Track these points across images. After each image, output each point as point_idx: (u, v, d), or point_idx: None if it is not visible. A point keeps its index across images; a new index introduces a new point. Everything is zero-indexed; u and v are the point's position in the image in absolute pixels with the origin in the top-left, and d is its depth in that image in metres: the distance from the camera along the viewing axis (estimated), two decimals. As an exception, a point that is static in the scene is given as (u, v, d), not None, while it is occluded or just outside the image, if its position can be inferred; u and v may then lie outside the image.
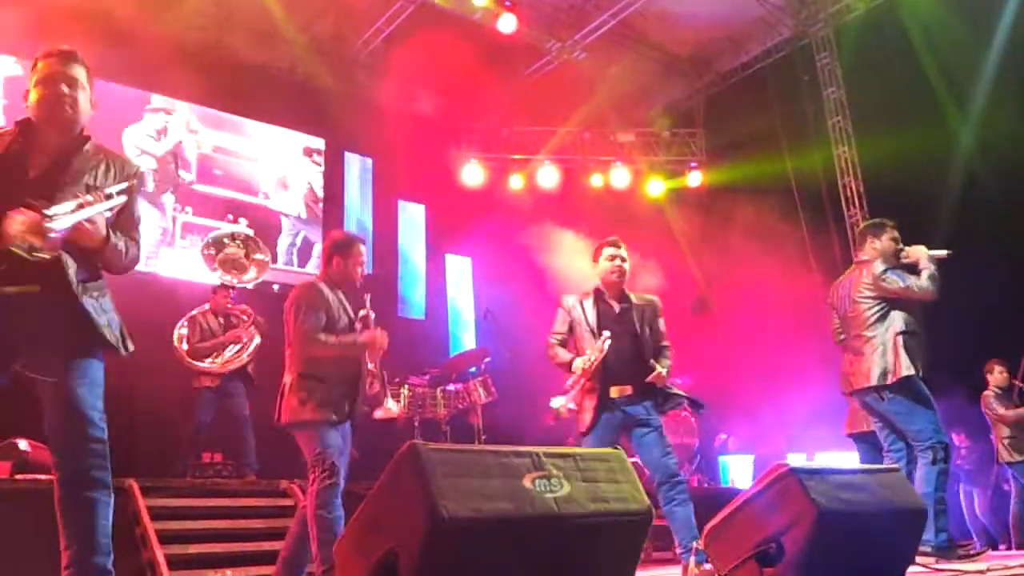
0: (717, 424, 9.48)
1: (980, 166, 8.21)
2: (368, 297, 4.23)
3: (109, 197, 2.71)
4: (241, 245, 6.66)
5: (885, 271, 4.58)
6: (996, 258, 7.51)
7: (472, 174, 10.31)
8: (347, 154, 9.88)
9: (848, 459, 7.89)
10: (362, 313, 4.15)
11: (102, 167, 2.83)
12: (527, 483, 2.21)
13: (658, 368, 4.23)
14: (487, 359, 7.88)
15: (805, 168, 9.70)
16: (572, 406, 4.29)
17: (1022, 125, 7.84)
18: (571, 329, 4.46)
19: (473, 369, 7.85)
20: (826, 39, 9.67)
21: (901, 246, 4.73)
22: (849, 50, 9.46)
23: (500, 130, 10.52)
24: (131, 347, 2.86)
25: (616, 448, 4.14)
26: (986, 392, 7.07)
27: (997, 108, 8.21)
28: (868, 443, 6.36)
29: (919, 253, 4.64)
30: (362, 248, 4.28)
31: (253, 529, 5.20)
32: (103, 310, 2.76)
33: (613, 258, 4.42)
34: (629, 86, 10.49)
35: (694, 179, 10.63)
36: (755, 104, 9.90)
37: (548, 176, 10.48)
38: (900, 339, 4.50)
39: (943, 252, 4.65)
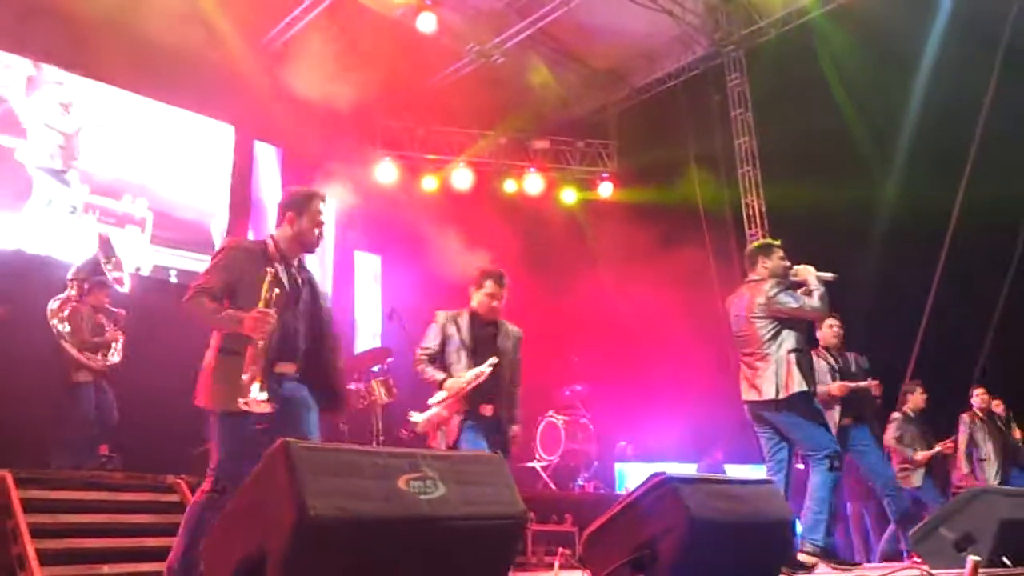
0: (616, 432, 9.63)
1: (883, 191, 8.66)
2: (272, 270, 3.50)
3: None
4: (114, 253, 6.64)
5: (777, 293, 4.70)
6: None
7: (386, 172, 10.23)
8: (258, 143, 9.67)
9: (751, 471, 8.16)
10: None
11: None
12: (401, 484, 2.20)
13: (513, 429, 4.55)
14: (390, 359, 7.82)
15: (711, 186, 9.99)
16: (429, 417, 4.44)
17: (937, 162, 8.28)
18: (442, 346, 4.59)
19: (375, 368, 7.78)
20: (737, 60, 9.96)
21: (789, 265, 4.87)
22: (760, 73, 9.76)
23: (416, 130, 10.47)
24: None
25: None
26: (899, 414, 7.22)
27: (912, 145, 8.66)
28: None
29: (807, 273, 4.79)
30: (322, 205, 3.70)
31: (134, 524, 5.01)
32: None
33: (493, 296, 4.59)
34: (545, 94, 10.59)
35: (605, 190, 10.81)
36: (667, 120, 10.15)
37: (462, 178, 10.49)
38: (792, 356, 4.64)
39: (829, 275, 4.81)
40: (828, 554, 4.55)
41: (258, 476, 2.16)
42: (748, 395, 4.79)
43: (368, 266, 10.58)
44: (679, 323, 9.03)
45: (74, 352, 6.08)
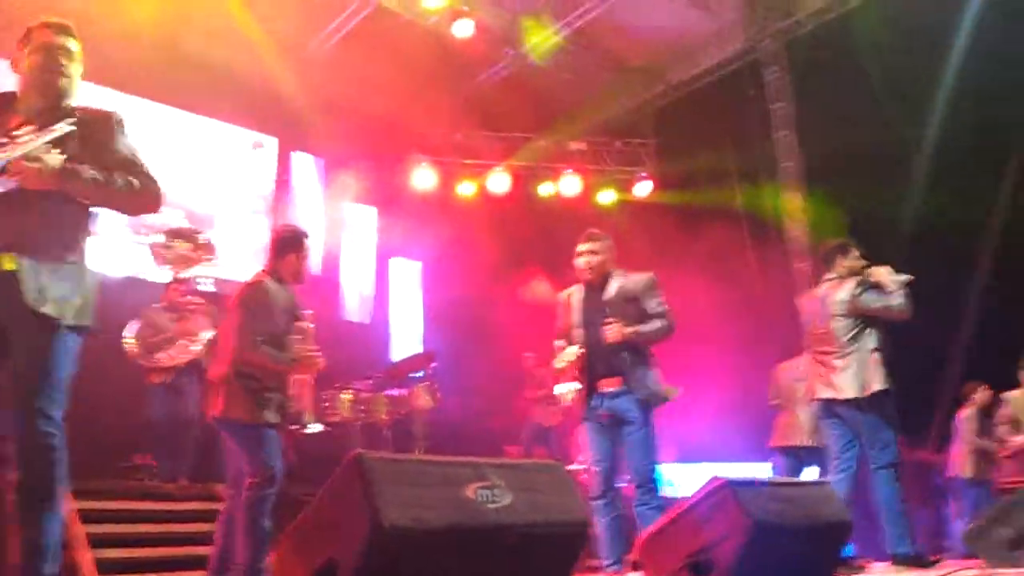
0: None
1: (930, 190, 8.54)
2: (309, 312, 4.24)
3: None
4: (188, 242, 6.63)
5: (861, 292, 4.73)
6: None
7: (424, 178, 10.30)
8: (298, 154, 9.81)
9: (763, 469, 8.15)
10: (301, 325, 4.16)
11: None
12: (469, 493, 2.25)
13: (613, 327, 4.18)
14: (433, 364, 7.88)
15: (750, 181, 9.93)
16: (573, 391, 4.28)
17: (973, 137, 8.15)
18: (567, 320, 4.48)
19: (419, 374, 7.84)
20: (775, 53, 9.87)
21: (867, 264, 4.89)
22: (799, 66, 9.67)
23: (453, 135, 10.54)
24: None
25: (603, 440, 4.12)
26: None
27: (950, 126, 8.52)
28: (792, 456, 6.56)
29: (884, 274, 4.77)
30: (308, 243, 4.32)
31: (184, 533, 5.13)
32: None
33: (580, 254, 4.47)
34: (581, 94, 10.60)
35: (643, 189, 10.78)
36: (705, 117, 10.09)
37: (499, 182, 10.54)
38: (876, 355, 4.70)
39: (906, 276, 4.76)
40: (914, 559, 4.52)
41: (331, 488, 2.22)
42: (824, 393, 4.84)
43: (409, 273, 10.69)
44: (722, 321, 9.00)
45: (136, 357, 6.16)
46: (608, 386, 4.23)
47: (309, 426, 4.15)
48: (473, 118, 10.41)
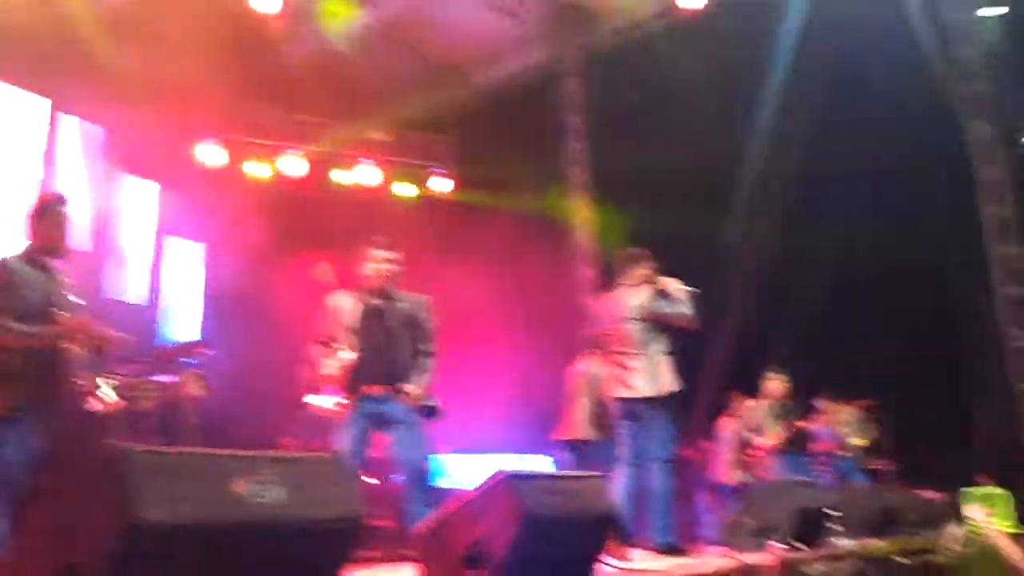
0: (441, 424, 9.66)
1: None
2: (69, 281, 3.93)
3: None
4: None
5: (654, 299, 5.03)
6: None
7: (212, 155, 9.74)
8: (70, 118, 8.92)
9: (544, 461, 8.50)
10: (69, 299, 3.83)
11: None
12: (238, 488, 2.12)
13: (408, 388, 4.35)
14: (208, 351, 7.45)
15: (545, 188, 10.25)
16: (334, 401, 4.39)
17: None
18: (335, 325, 4.47)
19: (192, 361, 7.38)
20: (576, 67, 10.24)
21: (655, 274, 5.18)
22: (597, 81, 10.09)
23: (246, 112, 10.04)
24: None
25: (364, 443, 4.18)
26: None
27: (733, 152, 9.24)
28: (575, 450, 6.84)
29: (671, 284, 5.10)
30: (65, 211, 3.99)
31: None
32: None
33: (377, 260, 4.48)
34: (385, 85, 10.47)
35: (442, 186, 10.82)
36: (506, 121, 10.29)
37: (294, 166, 10.18)
38: (667, 358, 5.03)
39: (693, 289, 5.12)
40: (667, 548, 4.83)
41: (76, 482, 2.01)
42: (621, 392, 5.09)
43: (190, 253, 10.06)
44: (507, 319, 9.23)
45: None
46: (379, 391, 4.34)
47: (105, 394, 3.79)
48: (270, 97, 9.98)
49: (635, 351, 5.04)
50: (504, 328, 9.03)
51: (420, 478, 4.28)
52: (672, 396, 5.03)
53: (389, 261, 4.50)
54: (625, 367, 5.06)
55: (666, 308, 5.01)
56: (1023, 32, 8.78)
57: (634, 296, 5.12)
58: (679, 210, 9.04)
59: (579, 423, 6.81)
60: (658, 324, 5.06)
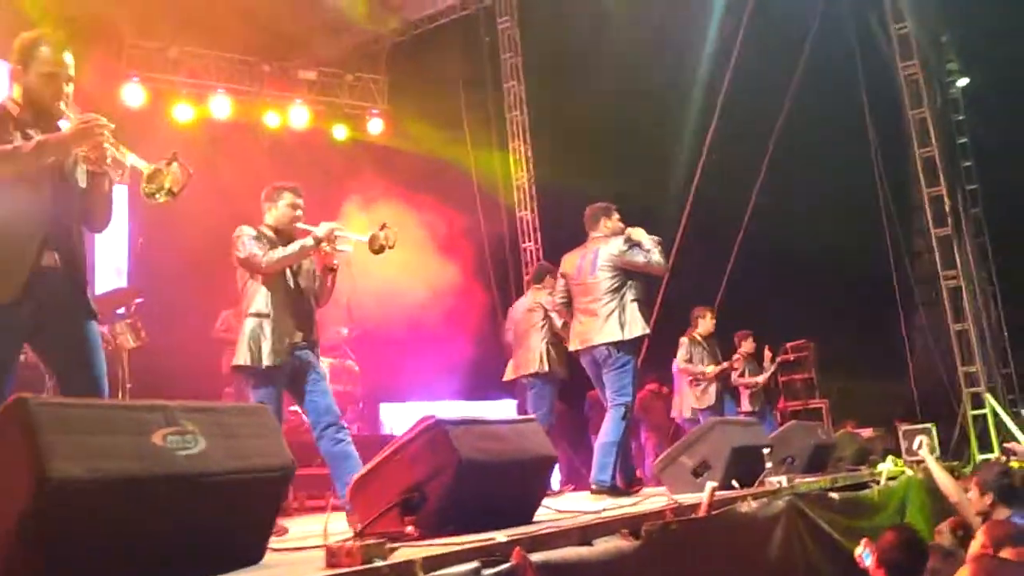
0: (384, 374, 9.63)
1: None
2: None
3: None
4: None
5: (627, 249, 5.21)
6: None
7: (134, 95, 9.33)
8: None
9: (501, 406, 8.54)
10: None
11: None
12: (157, 440, 2.03)
13: None
14: (139, 300, 7.23)
15: (481, 129, 10.10)
16: None
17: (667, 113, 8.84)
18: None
19: (121, 310, 7.16)
20: (509, 4, 10.03)
21: (624, 226, 5.38)
22: (532, 19, 9.91)
23: (168, 49, 9.60)
24: None
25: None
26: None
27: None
28: (530, 386, 6.84)
29: (641, 235, 5.28)
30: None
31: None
32: None
33: (295, 207, 4.41)
34: (314, 21, 10.11)
35: (375, 127, 10.58)
36: (439, 59, 10.07)
37: (221, 107, 9.82)
38: (636, 304, 5.17)
39: (656, 238, 5.32)
40: (608, 489, 4.98)
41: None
42: (590, 339, 5.22)
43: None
44: (446, 268, 9.14)
45: None
46: (297, 338, 4.29)
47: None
48: (194, 35, 9.55)
49: (605, 298, 5.18)
50: (439, 275, 8.94)
51: (338, 424, 4.29)
52: (639, 340, 5.19)
53: (297, 207, 4.45)
54: (593, 314, 5.22)
55: (639, 257, 5.19)
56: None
57: (606, 246, 5.27)
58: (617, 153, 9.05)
59: (528, 359, 6.79)
60: (628, 272, 5.21)
